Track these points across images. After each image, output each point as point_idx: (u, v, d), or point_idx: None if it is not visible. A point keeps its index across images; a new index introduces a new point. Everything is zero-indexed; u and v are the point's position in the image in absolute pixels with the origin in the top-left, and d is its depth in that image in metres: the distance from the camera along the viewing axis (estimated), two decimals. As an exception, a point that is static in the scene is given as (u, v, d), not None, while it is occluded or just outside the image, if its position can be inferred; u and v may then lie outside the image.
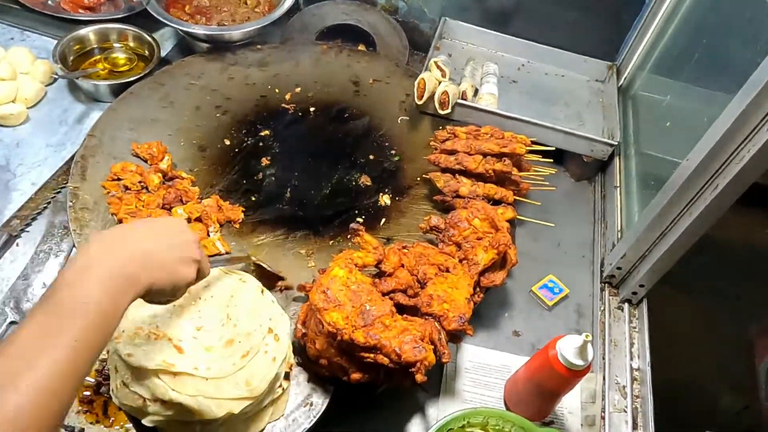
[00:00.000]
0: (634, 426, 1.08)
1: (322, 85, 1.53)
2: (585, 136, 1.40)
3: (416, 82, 1.38)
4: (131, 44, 1.53)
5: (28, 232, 1.17)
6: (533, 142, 1.34)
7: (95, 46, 1.50)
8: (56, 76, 1.42)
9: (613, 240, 1.29)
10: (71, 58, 1.47)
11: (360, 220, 1.26)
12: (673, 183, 1.06)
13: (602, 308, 1.24)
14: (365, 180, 1.34)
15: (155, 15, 1.44)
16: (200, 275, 0.78)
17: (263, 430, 0.90)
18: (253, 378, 0.83)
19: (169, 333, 0.84)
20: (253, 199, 1.26)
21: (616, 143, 1.40)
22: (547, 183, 1.34)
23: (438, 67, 1.43)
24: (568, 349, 0.90)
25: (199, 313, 0.89)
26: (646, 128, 1.42)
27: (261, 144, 1.37)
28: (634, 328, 1.22)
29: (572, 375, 0.91)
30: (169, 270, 0.70)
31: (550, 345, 0.94)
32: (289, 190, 1.29)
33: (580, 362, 0.89)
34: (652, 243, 1.14)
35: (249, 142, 1.36)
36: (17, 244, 1.15)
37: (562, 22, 1.66)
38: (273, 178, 1.31)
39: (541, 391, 0.98)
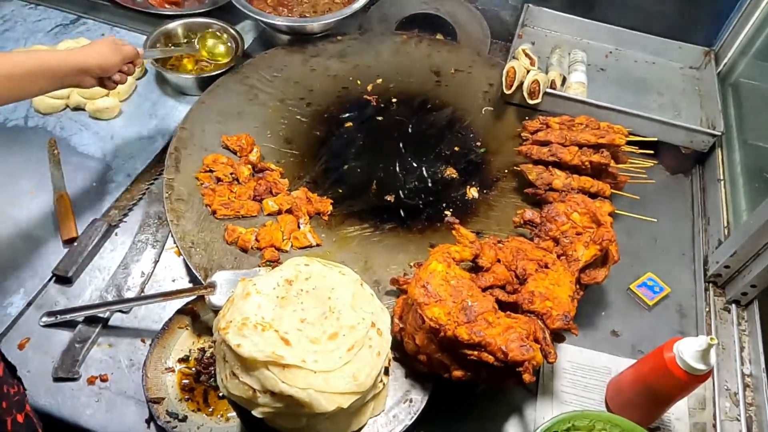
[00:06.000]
0: (750, 436, 1.01)
1: (402, 75, 1.50)
2: (685, 126, 1.32)
3: (505, 71, 1.33)
4: (215, 38, 1.55)
5: (125, 222, 1.20)
6: (630, 133, 1.27)
7: (182, 40, 1.53)
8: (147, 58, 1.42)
9: (719, 237, 1.21)
10: (160, 52, 1.50)
11: (448, 213, 1.23)
12: (798, 176, 0.98)
13: (707, 309, 1.16)
14: (451, 172, 1.31)
15: (240, 8, 1.45)
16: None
17: (365, 425, 0.89)
18: (359, 372, 0.81)
19: (274, 324, 0.84)
20: (340, 191, 1.25)
21: (720, 133, 1.31)
22: (646, 175, 1.27)
23: (526, 55, 1.38)
24: (688, 351, 0.84)
25: (301, 305, 0.88)
26: (754, 118, 1.32)
27: (345, 136, 1.36)
28: (744, 331, 1.14)
29: (691, 380, 0.85)
30: None
31: (666, 347, 0.88)
32: (375, 182, 1.28)
33: (701, 366, 0.83)
34: (768, 241, 1.06)
35: (333, 134, 1.36)
36: (116, 234, 1.18)
37: (651, 5, 1.57)
38: (358, 170, 1.29)
39: (653, 395, 0.92)
